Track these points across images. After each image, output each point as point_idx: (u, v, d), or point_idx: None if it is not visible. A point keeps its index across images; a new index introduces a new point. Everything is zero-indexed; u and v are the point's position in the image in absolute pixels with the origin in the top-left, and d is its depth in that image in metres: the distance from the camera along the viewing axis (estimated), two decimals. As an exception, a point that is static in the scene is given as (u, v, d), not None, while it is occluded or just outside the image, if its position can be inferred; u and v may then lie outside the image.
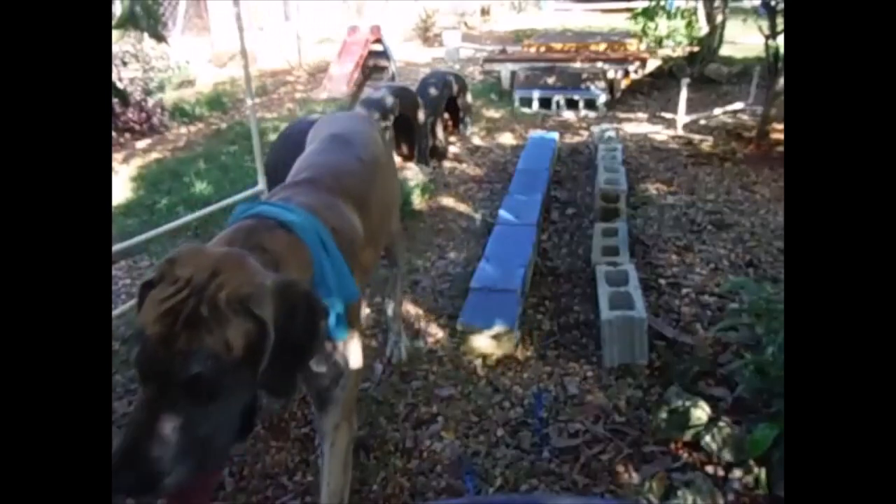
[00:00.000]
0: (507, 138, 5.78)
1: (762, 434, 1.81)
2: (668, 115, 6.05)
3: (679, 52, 7.98)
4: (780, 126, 4.88)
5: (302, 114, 6.40)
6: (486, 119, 6.39)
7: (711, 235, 3.58)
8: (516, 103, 6.77)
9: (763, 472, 1.84)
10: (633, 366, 2.43)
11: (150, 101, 6.46)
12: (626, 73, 6.99)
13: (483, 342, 2.56)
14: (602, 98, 6.56)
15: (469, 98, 5.90)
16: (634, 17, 8.11)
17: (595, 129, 5.44)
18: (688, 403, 2.09)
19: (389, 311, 2.57)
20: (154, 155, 5.66)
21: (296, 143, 3.68)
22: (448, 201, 4.32)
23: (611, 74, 6.75)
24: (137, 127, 6.18)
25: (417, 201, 4.22)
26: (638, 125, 6.02)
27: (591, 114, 6.48)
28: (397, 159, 4.79)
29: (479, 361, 2.54)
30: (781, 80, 4.77)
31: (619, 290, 2.63)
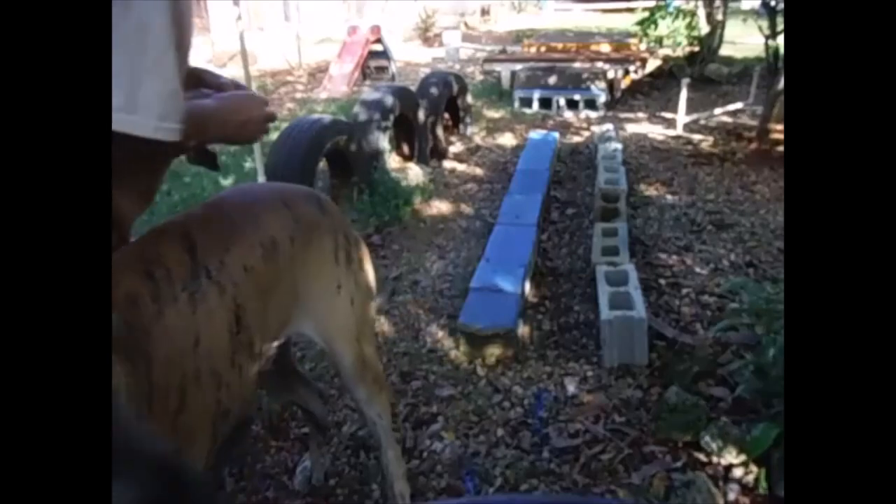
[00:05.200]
0: (507, 138, 5.78)
1: (762, 434, 1.81)
2: (668, 115, 6.05)
3: (679, 52, 7.98)
4: (780, 126, 4.88)
5: (302, 114, 6.40)
6: (486, 119, 6.39)
7: (711, 235, 3.58)
8: (516, 103, 6.76)
9: (763, 472, 1.84)
10: (633, 366, 2.43)
11: (150, 101, 6.45)
12: (626, 73, 6.99)
13: (483, 342, 2.56)
14: (602, 98, 6.56)
15: (469, 98, 5.90)
16: (640, 22, 8.12)
17: (595, 129, 5.44)
18: (688, 403, 2.09)
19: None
20: (154, 155, 5.65)
21: (296, 142, 3.70)
22: (448, 201, 4.32)
23: (611, 74, 6.75)
24: (137, 127, 6.17)
25: (417, 201, 4.22)
26: (638, 125, 6.02)
27: (592, 114, 6.48)
28: (397, 159, 4.80)
29: (478, 361, 2.54)
30: (781, 80, 4.77)
31: (619, 290, 2.63)
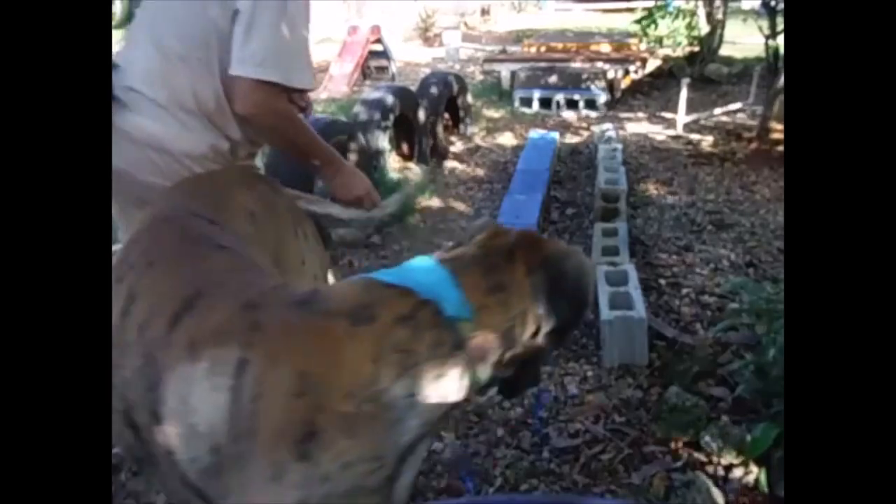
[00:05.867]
0: (507, 138, 5.77)
1: (762, 434, 1.81)
2: (668, 115, 6.04)
3: (679, 52, 7.97)
4: (780, 126, 4.88)
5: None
6: (486, 119, 6.39)
7: (711, 235, 3.58)
8: (516, 103, 6.76)
9: (763, 472, 1.84)
10: (633, 366, 2.43)
11: (150, 101, 6.43)
12: (626, 73, 6.98)
13: (483, 342, 2.55)
14: (602, 98, 6.56)
15: (469, 98, 5.89)
16: (639, 20, 8.12)
17: (595, 129, 5.44)
18: (688, 403, 2.09)
19: None
20: (154, 155, 5.65)
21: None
22: (448, 201, 4.32)
23: (611, 74, 6.74)
24: (137, 127, 6.16)
25: (417, 201, 4.22)
26: (638, 125, 6.02)
27: (592, 114, 6.48)
28: (397, 159, 4.80)
29: (479, 361, 2.53)
30: (781, 80, 4.77)
31: (619, 290, 2.63)
